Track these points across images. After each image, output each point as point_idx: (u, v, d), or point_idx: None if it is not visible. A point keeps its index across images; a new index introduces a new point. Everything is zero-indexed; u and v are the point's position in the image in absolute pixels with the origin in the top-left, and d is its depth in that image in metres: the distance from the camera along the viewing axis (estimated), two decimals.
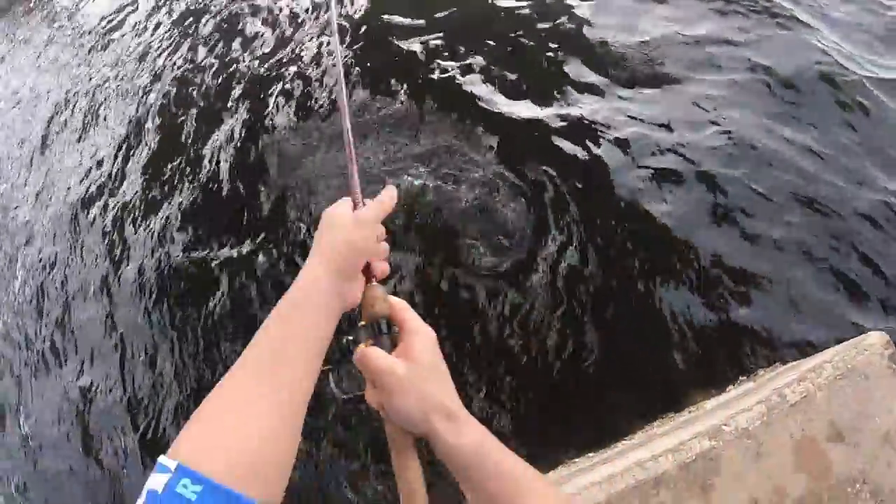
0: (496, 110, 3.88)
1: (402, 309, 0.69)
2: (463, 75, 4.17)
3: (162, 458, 0.48)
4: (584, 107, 3.76)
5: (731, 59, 3.77)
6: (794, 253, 2.94)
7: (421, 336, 0.66)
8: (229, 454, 0.49)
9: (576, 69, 4.01)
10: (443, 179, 3.54)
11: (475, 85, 4.08)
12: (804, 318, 2.79)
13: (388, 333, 0.67)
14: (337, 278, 0.65)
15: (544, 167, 3.50)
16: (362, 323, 0.69)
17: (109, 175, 5.14)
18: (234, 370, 0.57)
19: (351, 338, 0.70)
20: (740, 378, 2.67)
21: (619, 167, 3.40)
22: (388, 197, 0.76)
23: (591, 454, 2.39)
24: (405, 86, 4.25)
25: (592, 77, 3.94)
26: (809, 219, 3.02)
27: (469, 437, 0.61)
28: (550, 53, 4.16)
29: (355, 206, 0.74)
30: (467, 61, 4.28)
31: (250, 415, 0.53)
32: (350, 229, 0.69)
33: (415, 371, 0.62)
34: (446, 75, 4.23)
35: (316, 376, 0.62)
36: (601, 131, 3.58)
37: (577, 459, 2.36)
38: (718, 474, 1.90)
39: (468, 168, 3.57)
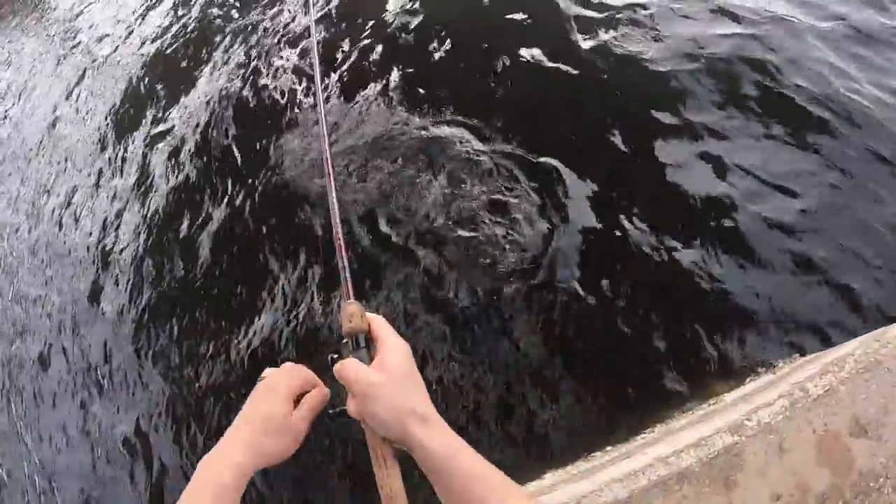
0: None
1: (379, 325, 0.75)
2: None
3: None
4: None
5: None
6: (811, 242, 2.91)
7: (395, 349, 0.71)
8: None
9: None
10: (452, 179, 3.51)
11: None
12: (823, 309, 2.76)
13: (365, 347, 0.72)
14: (246, 477, 0.71)
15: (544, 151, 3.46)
16: (344, 340, 0.74)
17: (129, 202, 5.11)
18: None
19: (335, 355, 0.74)
20: (759, 370, 2.65)
21: (628, 158, 3.36)
22: (320, 399, 0.80)
23: (609, 448, 2.39)
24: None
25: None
26: (828, 209, 2.97)
27: (440, 441, 0.66)
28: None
29: (347, 295, 0.79)
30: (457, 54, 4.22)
31: None
32: (279, 437, 0.74)
33: (388, 380, 0.68)
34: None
35: None
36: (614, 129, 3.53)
37: (596, 453, 2.36)
38: (741, 470, 1.90)
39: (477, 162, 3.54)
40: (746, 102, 3.48)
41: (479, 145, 3.67)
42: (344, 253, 0.80)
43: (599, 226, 3.16)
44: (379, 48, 4.63)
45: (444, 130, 3.82)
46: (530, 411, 2.66)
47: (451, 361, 2.91)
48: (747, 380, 2.64)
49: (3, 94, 8.58)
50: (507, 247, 3.17)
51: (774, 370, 2.59)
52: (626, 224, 3.13)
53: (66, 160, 5.76)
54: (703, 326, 2.79)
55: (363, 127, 4.01)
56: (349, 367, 0.70)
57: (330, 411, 0.76)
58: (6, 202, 6.09)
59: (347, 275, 0.80)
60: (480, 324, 2.97)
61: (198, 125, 5.04)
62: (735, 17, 4.01)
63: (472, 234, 3.28)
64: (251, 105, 4.84)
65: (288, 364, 0.83)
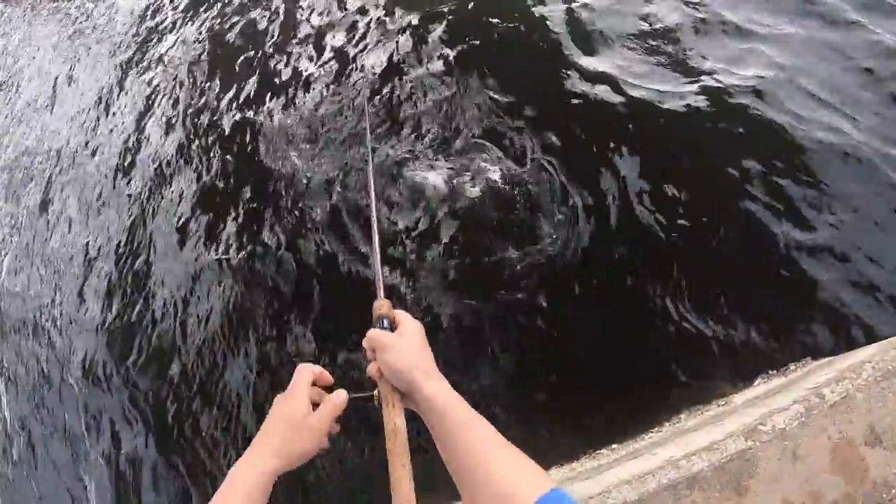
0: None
1: (400, 313, 0.92)
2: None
3: None
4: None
5: None
6: (824, 248, 2.82)
7: (411, 327, 0.87)
8: None
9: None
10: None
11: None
12: (835, 313, 2.70)
13: (388, 327, 0.89)
14: (273, 479, 0.78)
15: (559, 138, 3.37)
16: (374, 323, 0.92)
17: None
18: None
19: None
20: (769, 372, 2.60)
21: (644, 159, 3.26)
22: (339, 402, 0.88)
23: (615, 446, 2.35)
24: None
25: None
26: (843, 218, 2.88)
27: (441, 392, 0.79)
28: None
29: (378, 294, 0.96)
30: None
31: None
32: (309, 436, 0.82)
33: (402, 340, 0.84)
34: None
35: None
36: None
37: (602, 451, 2.32)
38: (753, 476, 1.85)
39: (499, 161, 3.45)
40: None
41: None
42: (378, 259, 0.97)
43: (610, 222, 3.08)
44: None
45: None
46: (535, 406, 2.61)
47: (456, 353, 2.85)
48: (756, 382, 2.59)
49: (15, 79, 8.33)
50: (519, 241, 3.10)
51: (786, 373, 2.54)
52: (635, 220, 3.04)
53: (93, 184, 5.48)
54: (711, 327, 2.74)
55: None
56: (373, 331, 0.87)
57: (353, 395, 0.89)
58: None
59: (381, 277, 0.97)
60: (487, 318, 2.91)
61: (225, 123, 4.87)
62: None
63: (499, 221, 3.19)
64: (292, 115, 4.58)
65: (300, 364, 0.91)
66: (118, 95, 6.18)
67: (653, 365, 2.72)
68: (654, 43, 3.83)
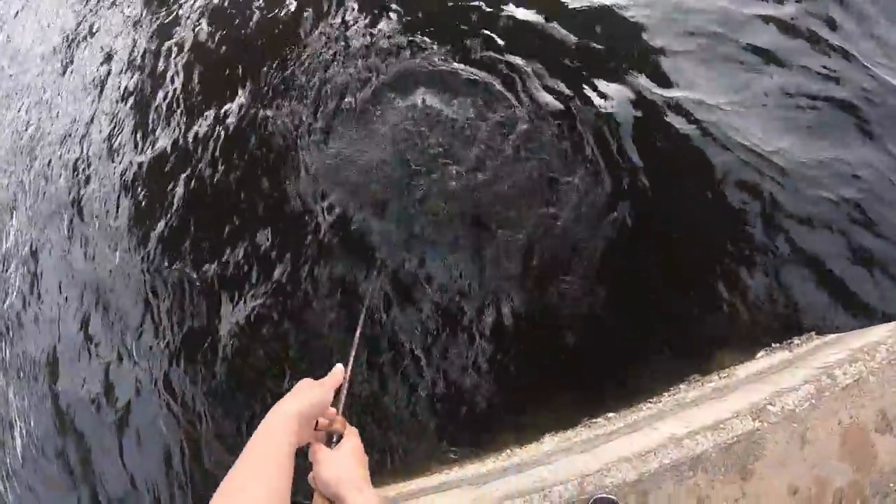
0: None
1: (350, 433, 0.99)
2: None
3: None
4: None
5: None
6: (830, 222, 2.64)
7: (350, 444, 0.96)
8: None
9: None
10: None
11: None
12: (838, 289, 2.56)
13: (335, 441, 0.97)
14: (297, 418, 0.89)
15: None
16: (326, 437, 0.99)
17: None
18: (233, 476, 0.79)
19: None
20: (772, 345, 2.49)
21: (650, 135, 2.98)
22: (337, 372, 1.05)
23: (611, 414, 2.24)
24: None
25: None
26: (856, 193, 2.68)
27: (367, 500, 0.86)
28: None
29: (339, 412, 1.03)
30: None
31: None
32: (314, 391, 0.96)
33: (334, 457, 0.92)
34: None
35: (290, 480, 0.82)
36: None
37: (598, 420, 2.21)
38: (760, 459, 1.76)
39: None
40: None
41: None
42: (346, 385, 1.06)
43: (614, 188, 2.84)
44: None
45: None
46: (530, 371, 2.49)
47: (451, 312, 2.69)
48: (758, 354, 2.49)
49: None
50: (522, 200, 2.87)
51: (790, 347, 2.43)
52: (641, 186, 2.81)
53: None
54: (712, 296, 2.59)
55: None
56: (313, 446, 0.95)
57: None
58: None
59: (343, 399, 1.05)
60: (481, 275, 2.73)
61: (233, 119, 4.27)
62: None
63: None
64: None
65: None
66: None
67: (652, 333, 2.58)
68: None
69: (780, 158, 2.78)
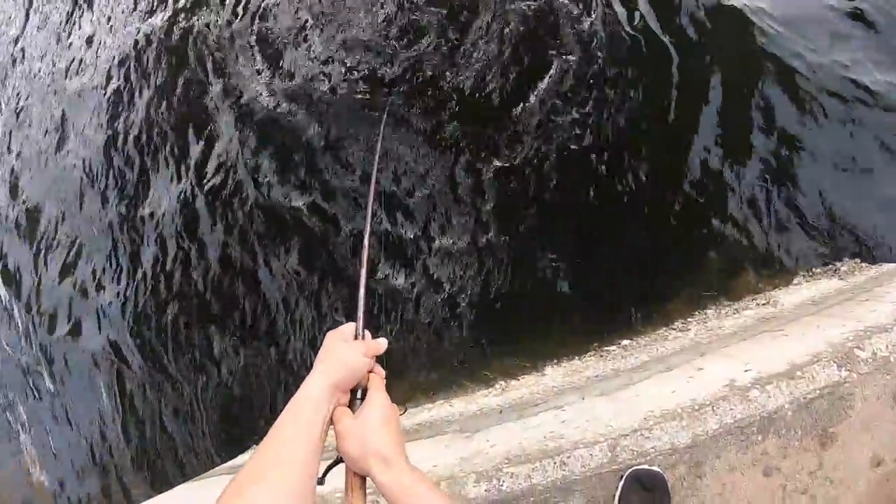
0: None
1: (373, 384, 0.84)
2: None
3: None
4: None
5: None
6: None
7: (375, 404, 0.80)
8: None
9: None
10: None
11: None
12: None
13: (360, 399, 0.83)
14: (332, 392, 0.77)
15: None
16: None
17: None
18: (258, 453, 0.68)
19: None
20: (812, 270, 2.02)
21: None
22: (382, 344, 0.88)
23: (625, 342, 1.71)
24: None
25: None
26: None
27: (397, 479, 0.72)
28: None
29: (356, 337, 0.88)
30: None
31: (264, 497, 0.64)
32: (352, 358, 0.81)
33: (358, 426, 0.77)
34: None
35: (319, 458, 0.72)
36: None
37: (610, 347, 1.67)
38: (845, 420, 1.29)
39: None
40: None
41: None
42: (362, 317, 0.90)
43: (645, 98, 2.11)
44: None
45: None
46: (520, 282, 1.88)
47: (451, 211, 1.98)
48: (796, 279, 2.02)
49: None
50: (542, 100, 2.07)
51: (838, 274, 1.96)
52: (679, 97, 2.11)
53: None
54: (723, 209, 2.05)
55: None
56: (335, 413, 0.78)
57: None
58: None
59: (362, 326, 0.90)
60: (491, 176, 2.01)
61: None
62: None
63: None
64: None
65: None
66: None
67: (662, 245, 2.05)
68: None
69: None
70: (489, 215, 2.12)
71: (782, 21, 2.22)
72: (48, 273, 3.40)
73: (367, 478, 0.75)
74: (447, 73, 2.32)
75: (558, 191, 2.13)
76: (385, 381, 0.86)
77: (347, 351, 0.82)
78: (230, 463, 2.28)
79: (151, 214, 2.92)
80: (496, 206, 2.11)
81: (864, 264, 2.02)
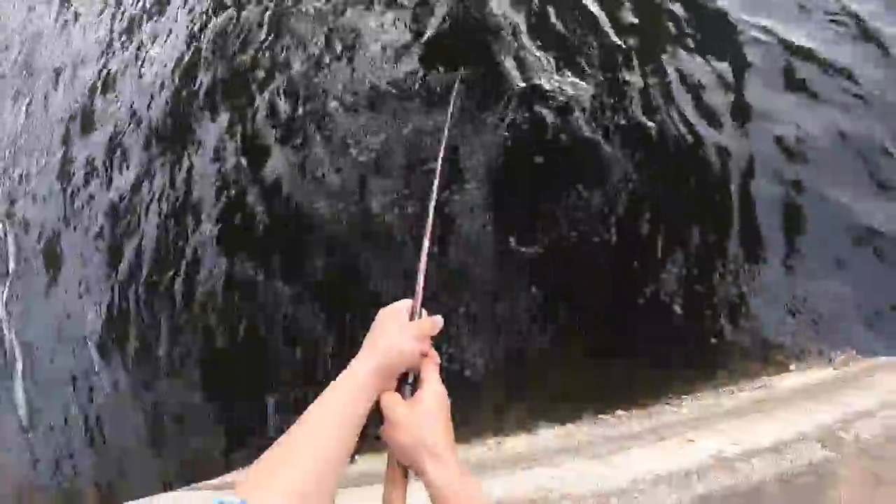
0: None
1: (427, 368, 0.77)
2: None
3: (227, 497, 0.56)
4: None
5: None
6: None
7: (430, 392, 0.74)
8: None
9: None
10: None
11: None
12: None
13: (411, 384, 0.76)
14: (378, 377, 0.72)
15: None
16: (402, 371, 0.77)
17: None
18: (288, 434, 0.67)
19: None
20: (807, 357, 2.09)
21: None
22: (438, 323, 0.80)
23: (621, 413, 1.78)
24: None
25: None
26: None
27: (445, 477, 0.68)
28: None
29: (412, 316, 0.79)
30: None
31: (291, 477, 0.63)
32: (403, 340, 0.75)
33: (412, 415, 0.72)
34: None
35: (352, 446, 0.68)
36: None
37: (605, 416, 1.74)
38: (829, 500, 1.32)
39: None
40: None
41: None
42: (420, 294, 0.81)
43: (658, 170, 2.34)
44: None
45: None
46: (523, 345, 1.98)
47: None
48: (791, 366, 2.09)
49: None
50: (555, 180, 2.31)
51: (832, 364, 2.03)
52: (681, 172, 2.32)
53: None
54: (734, 300, 2.16)
55: None
56: (384, 399, 0.74)
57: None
58: None
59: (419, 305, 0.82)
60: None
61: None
62: None
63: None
64: None
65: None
66: None
67: (666, 327, 2.15)
68: None
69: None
70: (499, 286, 2.26)
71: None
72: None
73: (410, 470, 0.72)
74: None
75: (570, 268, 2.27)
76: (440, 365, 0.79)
77: (400, 334, 0.76)
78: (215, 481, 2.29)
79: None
80: (506, 282, 2.26)
81: (858, 356, 2.09)
